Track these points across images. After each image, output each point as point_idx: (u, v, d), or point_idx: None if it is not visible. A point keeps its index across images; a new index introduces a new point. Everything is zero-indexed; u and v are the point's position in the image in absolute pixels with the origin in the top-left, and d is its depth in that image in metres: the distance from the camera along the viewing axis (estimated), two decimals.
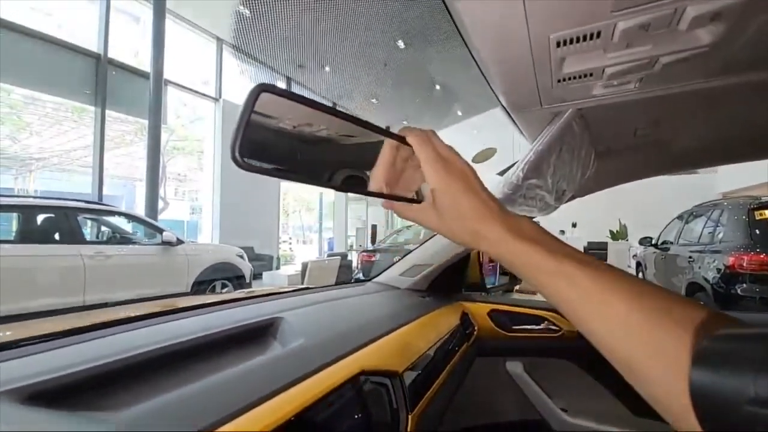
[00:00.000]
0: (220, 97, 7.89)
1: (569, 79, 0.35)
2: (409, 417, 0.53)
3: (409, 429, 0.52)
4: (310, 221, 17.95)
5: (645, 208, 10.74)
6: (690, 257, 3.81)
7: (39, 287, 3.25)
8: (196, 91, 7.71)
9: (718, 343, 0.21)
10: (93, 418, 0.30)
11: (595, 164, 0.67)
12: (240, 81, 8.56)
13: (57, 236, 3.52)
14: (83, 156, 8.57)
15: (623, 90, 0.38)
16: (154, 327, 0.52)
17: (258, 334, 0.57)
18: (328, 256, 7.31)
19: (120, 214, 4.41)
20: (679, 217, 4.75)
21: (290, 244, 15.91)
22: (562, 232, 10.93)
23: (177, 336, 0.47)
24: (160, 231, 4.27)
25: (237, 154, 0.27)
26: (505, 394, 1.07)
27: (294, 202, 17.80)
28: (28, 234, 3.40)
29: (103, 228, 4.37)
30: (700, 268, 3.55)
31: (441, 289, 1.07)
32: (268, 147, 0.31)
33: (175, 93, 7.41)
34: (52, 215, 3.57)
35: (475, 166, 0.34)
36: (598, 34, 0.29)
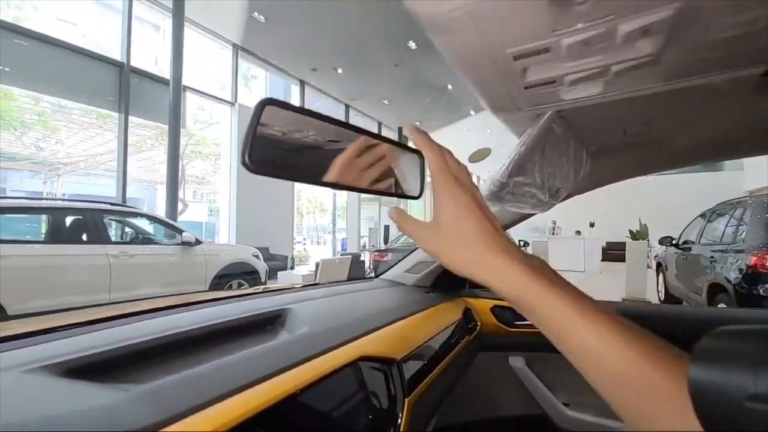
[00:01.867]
0: (235, 101, 8.09)
1: (536, 86, 0.39)
2: (406, 401, 0.57)
3: (405, 412, 0.55)
4: (323, 222, 18.15)
5: (668, 207, 10.42)
6: (712, 257, 3.70)
7: (68, 285, 3.43)
8: (213, 96, 7.93)
9: (717, 340, 0.21)
10: (117, 388, 0.35)
11: (589, 163, 0.69)
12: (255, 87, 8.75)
13: (84, 237, 3.70)
14: (108, 160, 8.93)
15: (591, 93, 0.40)
16: (171, 316, 0.57)
17: (267, 323, 0.61)
18: (341, 255, 7.39)
19: (142, 215, 4.60)
20: (702, 216, 4.60)
21: (304, 244, 16.14)
22: (578, 232, 10.70)
23: (193, 323, 0.52)
24: (180, 231, 4.43)
25: (247, 160, 0.31)
26: (508, 388, 1.09)
27: (308, 204, 18.05)
28: (57, 235, 3.59)
29: (127, 229, 4.58)
30: (722, 268, 3.44)
31: (446, 285, 1.10)
32: (274, 152, 0.35)
33: (193, 98, 7.64)
34: (80, 217, 3.76)
35: (469, 165, 0.38)
36: (548, 50, 0.32)
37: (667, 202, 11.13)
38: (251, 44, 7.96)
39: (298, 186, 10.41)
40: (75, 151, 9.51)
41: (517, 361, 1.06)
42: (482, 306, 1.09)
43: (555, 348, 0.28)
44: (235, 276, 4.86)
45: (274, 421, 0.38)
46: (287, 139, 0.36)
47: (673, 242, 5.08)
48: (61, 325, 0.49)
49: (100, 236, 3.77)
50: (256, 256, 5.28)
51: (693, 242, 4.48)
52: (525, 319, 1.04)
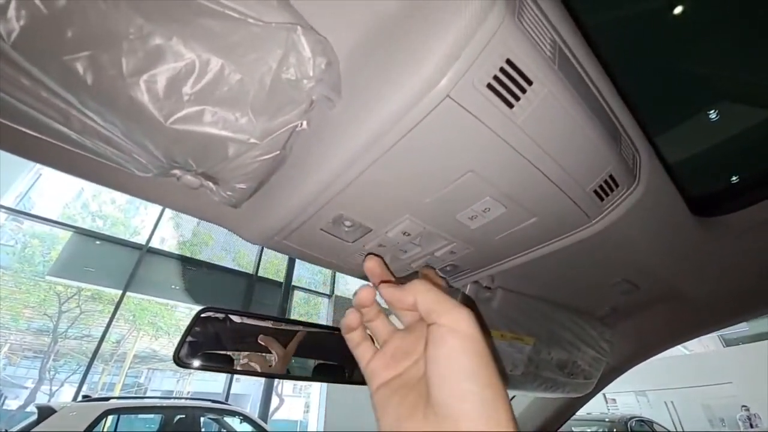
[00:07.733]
0: (332, 294, 9.10)
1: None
2: None
3: None
4: None
5: None
6: None
7: None
8: (317, 292, 9.13)
9: None
10: None
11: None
12: None
13: None
14: None
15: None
16: None
17: None
18: None
19: (233, 413, 4.74)
20: None
21: None
22: None
23: None
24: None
25: (177, 358, 0.41)
26: None
27: None
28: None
29: (222, 429, 4.68)
30: None
31: None
32: (208, 350, 0.45)
33: (298, 294, 8.87)
34: (184, 416, 4.06)
35: None
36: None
37: None
38: None
39: None
40: None
41: None
42: None
43: None
44: None
45: None
46: (224, 338, 0.46)
47: None
48: None
49: None
50: None
51: None
52: None
